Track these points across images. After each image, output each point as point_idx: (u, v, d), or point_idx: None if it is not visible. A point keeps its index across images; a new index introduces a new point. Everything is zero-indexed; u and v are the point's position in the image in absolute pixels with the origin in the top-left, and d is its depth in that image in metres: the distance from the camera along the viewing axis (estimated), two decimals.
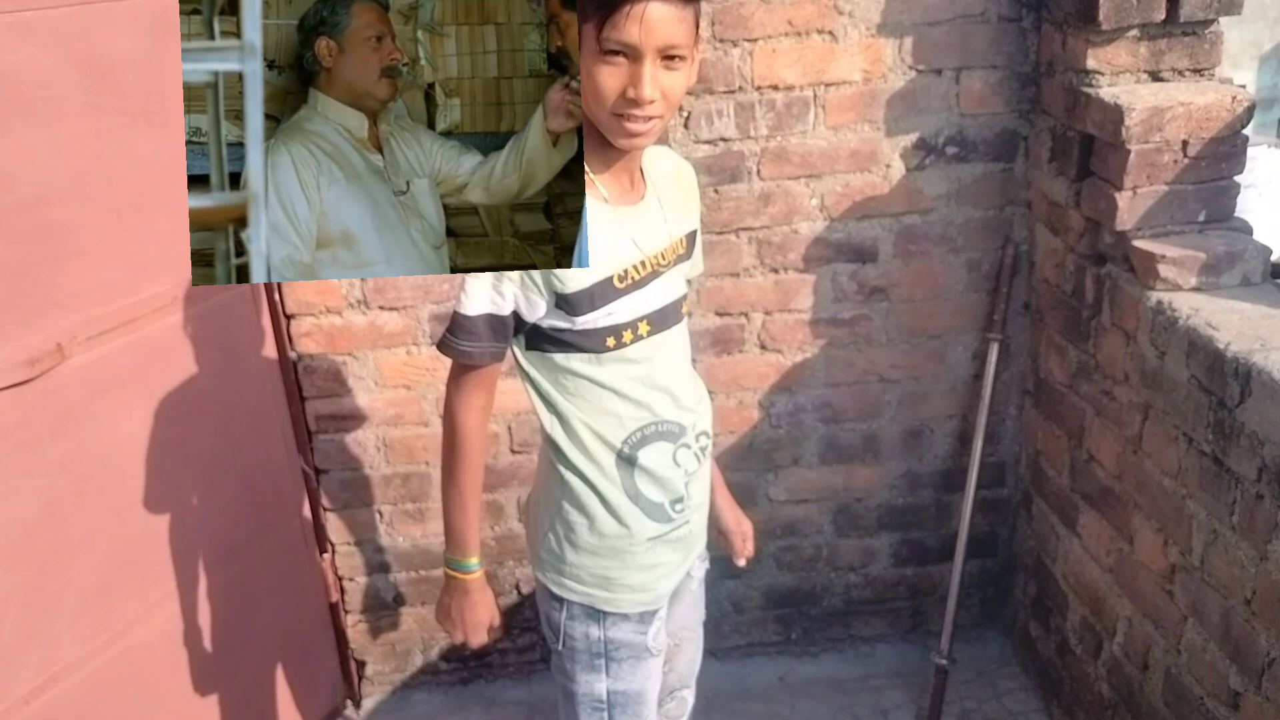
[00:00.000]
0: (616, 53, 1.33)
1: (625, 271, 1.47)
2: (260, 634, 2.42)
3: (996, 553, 2.76)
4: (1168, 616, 1.96)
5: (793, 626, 2.82)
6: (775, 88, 2.34)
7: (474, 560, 1.62)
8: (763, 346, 2.54)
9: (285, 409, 2.46)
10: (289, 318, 2.45)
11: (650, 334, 1.53)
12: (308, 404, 2.52)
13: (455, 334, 1.46)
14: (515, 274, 1.42)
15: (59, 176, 1.86)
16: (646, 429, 1.55)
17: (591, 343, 1.48)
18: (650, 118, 1.36)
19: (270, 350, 2.40)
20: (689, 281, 1.70)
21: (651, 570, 1.60)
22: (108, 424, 2.00)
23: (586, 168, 1.32)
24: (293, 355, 2.48)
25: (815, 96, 2.36)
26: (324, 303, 2.44)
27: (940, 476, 2.67)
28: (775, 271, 2.48)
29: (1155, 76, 2.12)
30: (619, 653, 1.61)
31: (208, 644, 2.28)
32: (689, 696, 1.91)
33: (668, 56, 1.34)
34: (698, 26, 1.39)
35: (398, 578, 2.71)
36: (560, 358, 1.51)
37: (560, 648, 1.64)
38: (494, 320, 1.45)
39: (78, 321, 1.93)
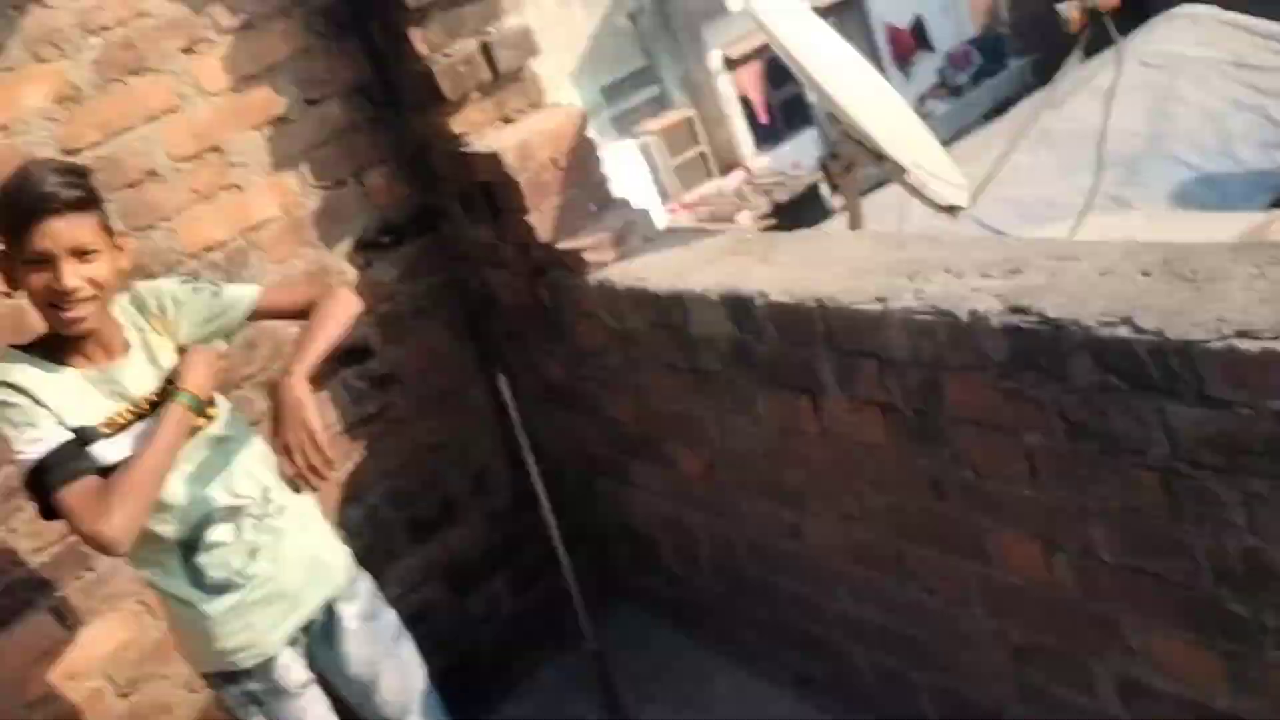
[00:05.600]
0: (37, 261, 1.68)
1: (110, 419, 1.77)
2: None
3: (587, 539, 3.18)
4: (723, 502, 2.48)
5: (468, 695, 3.02)
6: (210, 249, 2.53)
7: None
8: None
9: None
10: None
11: (200, 454, 1.87)
12: None
13: (45, 478, 1.67)
14: (40, 412, 1.69)
15: None
16: (201, 518, 1.85)
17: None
18: (82, 304, 1.71)
19: None
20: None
21: (249, 630, 1.93)
22: None
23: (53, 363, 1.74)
24: None
25: (250, 243, 2.58)
26: None
27: (515, 502, 3.03)
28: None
29: (508, 121, 2.63)
30: (265, 695, 1.97)
31: None
32: None
33: (83, 253, 1.70)
34: (106, 223, 1.76)
35: None
36: None
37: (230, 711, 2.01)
38: (61, 449, 1.69)
39: None
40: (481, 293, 2.91)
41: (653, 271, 2.31)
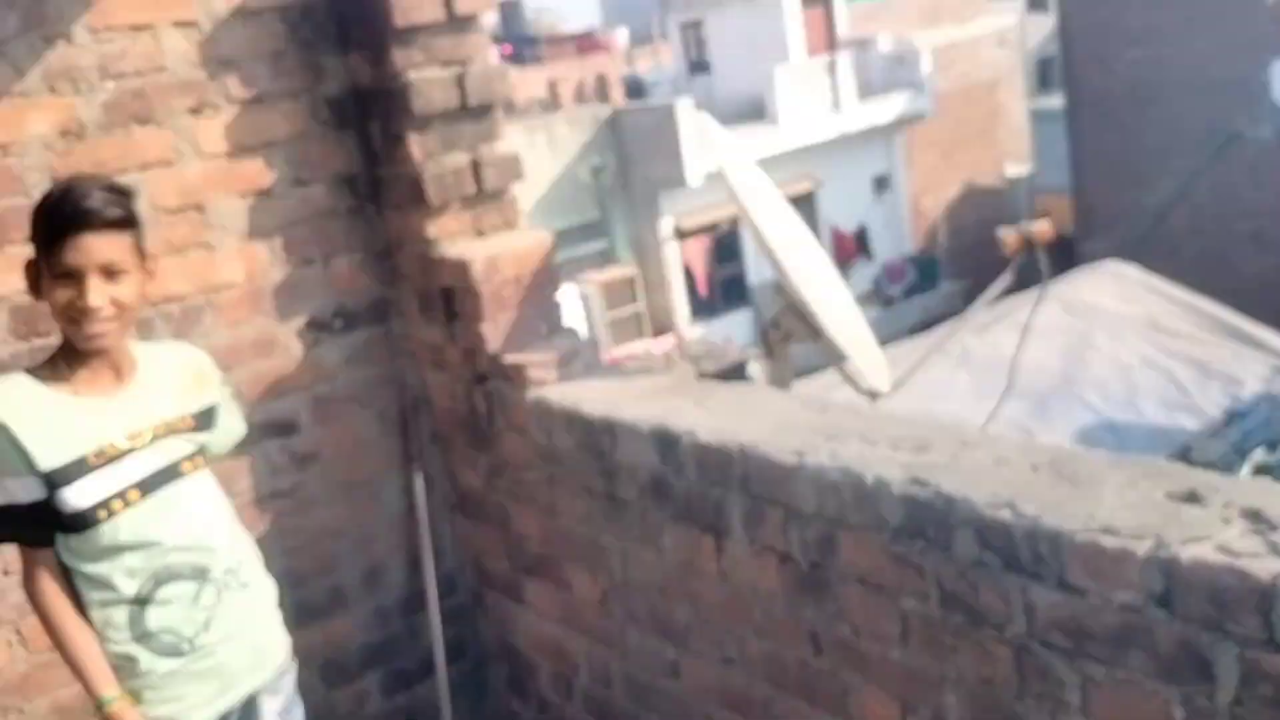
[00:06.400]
0: (66, 274, 1.70)
1: (101, 450, 1.78)
2: None
3: (467, 653, 3.23)
4: (611, 632, 2.59)
5: None
6: (170, 300, 2.64)
7: (111, 691, 1.79)
8: None
9: None
10: None
11: (143, 499, 1.83)
12: None
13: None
14: (8, 464, 1.72)
15: None
16: (160, 573, 1.83)
17: (85, 519, 1.77)
18: (102, 323, 1.73)
19: None
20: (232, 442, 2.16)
21: (180, 700, 1.86)
22: None
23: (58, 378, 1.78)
24: None
25: (208, 301, 2.70)
26: None
27: (404, 604, 3.08)
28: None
29: (481, 234, 2.82)
30: None
31: None
32: None
33: (113, 272, 1.73)
34: (140, 246, 1.80)
35: None
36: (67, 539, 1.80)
37: None
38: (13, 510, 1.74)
39: None
40: (417, 391, 3.03)
41: (589, 397, 2.48)
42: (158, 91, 2.57)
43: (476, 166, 2.77)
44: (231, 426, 2.11)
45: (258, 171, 2.72)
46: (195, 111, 2.63)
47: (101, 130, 2.51)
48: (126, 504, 1.79)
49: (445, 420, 3.00)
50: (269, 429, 2.82)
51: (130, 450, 1.81)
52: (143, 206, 2.54)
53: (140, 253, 1.79)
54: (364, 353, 2.96)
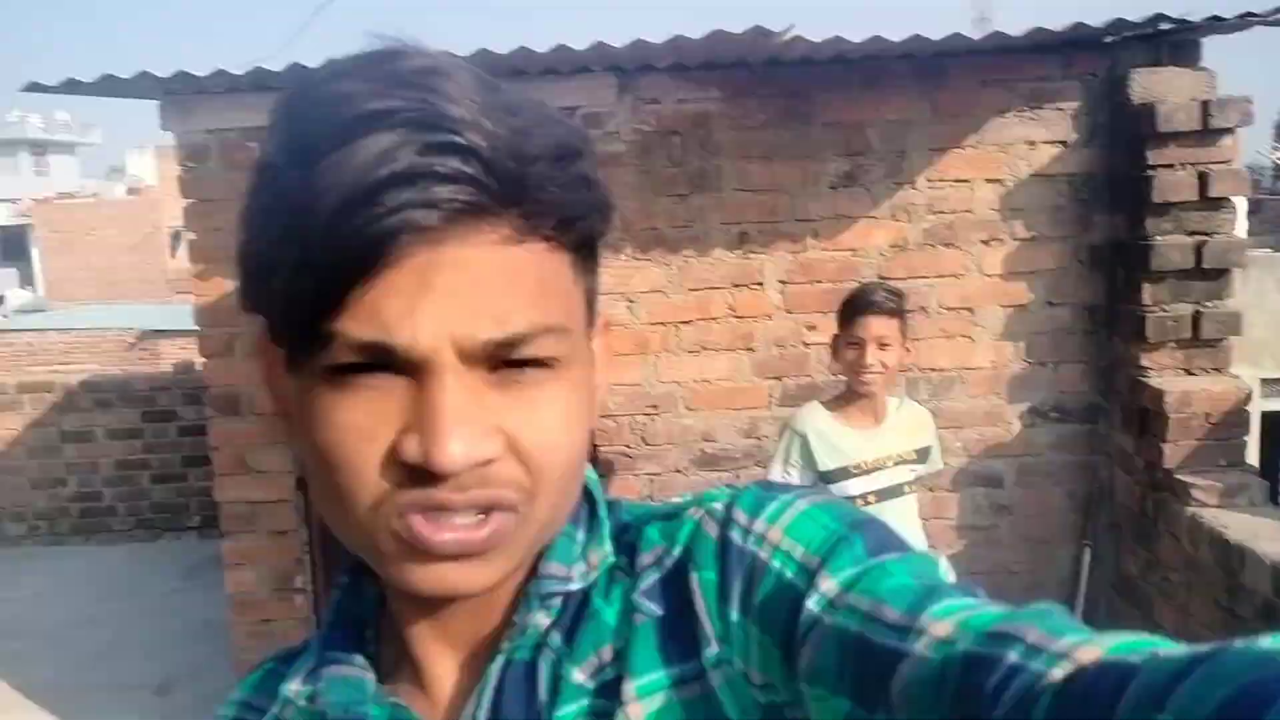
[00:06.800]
0: (854, 342, 2.70)
1: (858, 464, 2.78)
2: None
3: None
4: None
5: None
6: (934, 369, 3.69)
7: None
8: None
9: None
10: None
11: (876, 503, 2.80)
12: None
13: None
14: (795, 460, 2.75)
15: None
16: None
17: None
18: (873, 375, 2.70)
19: None
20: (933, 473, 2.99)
21: None
22: None
23: (840, 411, 2.75)
24: None
25: (959, 376, 3.70)
26: None
27: None
28: (931, 490, 3.74)
29: (1188, 372, 3.42)
30: None
31: None
32: None
33: (884, 344, 2.69)
34: (904, 329, 2.76)
35: None
36: None
37: None
38: None
39: None
40: (1104, 483, 3.72)
41: (1236, 525, 2.98)
42: (962, 225, 3.64)
43: (1198, 317, 3.37)
44: (937, 460, 3.00)
45: (1020, 291, 3.65)
46: (985, 242, 3.64)
47: (918, 248, 3.64)
48: (866, 504, 2.77)
49: (1120, 513, 3.64)
50: (979, 478, 3.75)
51: (876, 469, 2.81)
52: (931, 303, 3.63)
53: (903, 333, 2.75)
54: (1068, 442, 3.73)
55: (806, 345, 3.68)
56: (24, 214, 35.11)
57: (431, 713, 0.60)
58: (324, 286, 0.49)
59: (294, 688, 0.64)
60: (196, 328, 3.75)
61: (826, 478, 2.74)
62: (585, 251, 0.56)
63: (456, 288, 0.49)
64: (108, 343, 16.73)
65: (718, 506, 0.59)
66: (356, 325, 0.49)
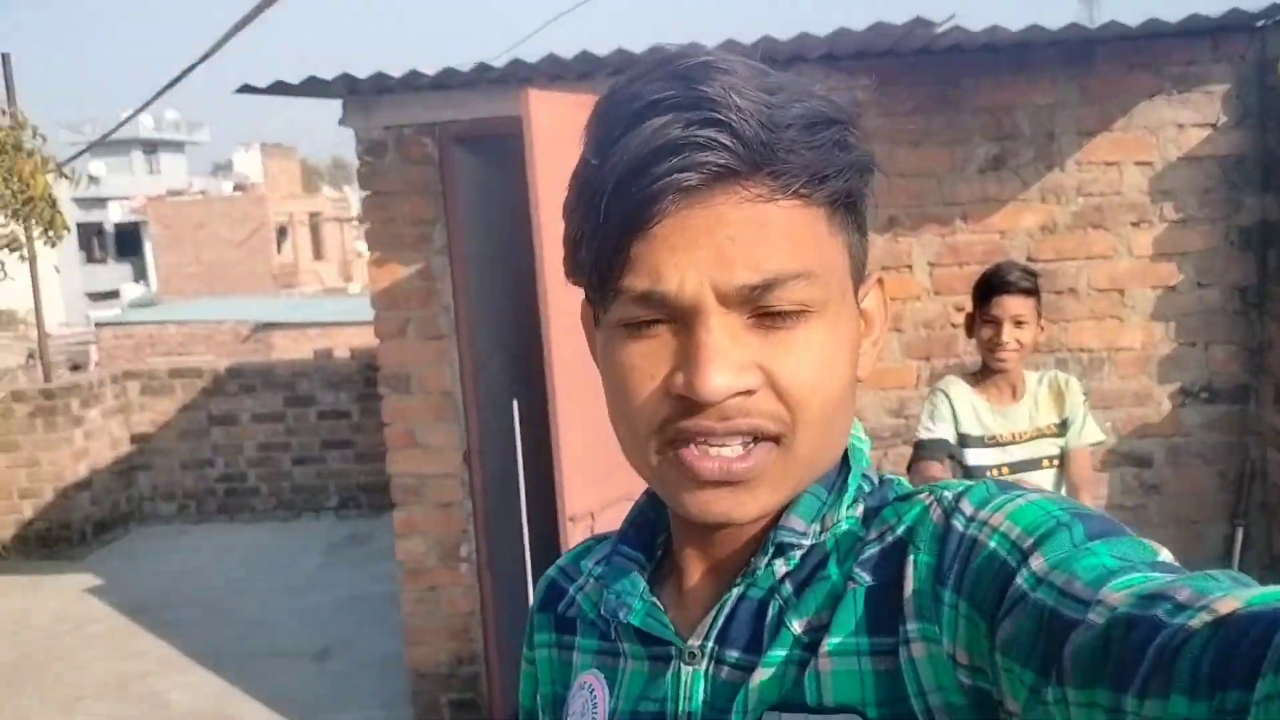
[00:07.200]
0: (991, 321, 2.78)
1: (993, 436, 2.88)
2: None
3: None
4: None
5: None
6: (1083, 350, 3.77)
7: None
8: None
9: None
10: None
11: (1010, 474, 2.89)
12: None
13: (919, 451, 2.88)
14: (943, 414, 2.84)
15: None
16: None
17: (975, 473, 2.86)
18: (1009, 353, 2.78)
19: None
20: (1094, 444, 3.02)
21: None
22: None
23: (978, 386, 2.84)
24: None
25: (1109, 357, 3.78)
26: None
27: None
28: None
29: None
30: None
31: None
32: None
33: (1019, 322, 2.77)
34: (1039, 309, 2.82)
35: None
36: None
37: None
38: (934, 442, 2.85)
39: None
40: (1256, 463, 3.75)
41: None
42: (1111, 207, 3.71)
43: None
44: (1089, 431, 2.97)
45: (1169, 272, 3.71)
46: (1135, 224, 3.71)
47: (1067, 230, 3.72)
48: (999, 474, 2.88)
49: (1272, 493, 3.68)
50: (1129, 458, 3.82)
51: (1011, 442, 2.89)
52: (1081, 285, 3.71)
53: (1038, 312, 2.81)
54: (1219, 422, 3.77)
55: (954, 326, 3.78)
56: (137, 212, 36.56)
57: (682, 617, 0.69)
58: (610, 244, 0.60)
59: (591, 565, 0.79)
60: (371, 312, 4.01)
61: (964, 441, 2.83)
62: (842, 208, 0.63)
63: (715, 240, 0.58)
64: (222, 334, 17.46)
65: (948, 495, 0.63)
66: (635, 278, 0.60)
